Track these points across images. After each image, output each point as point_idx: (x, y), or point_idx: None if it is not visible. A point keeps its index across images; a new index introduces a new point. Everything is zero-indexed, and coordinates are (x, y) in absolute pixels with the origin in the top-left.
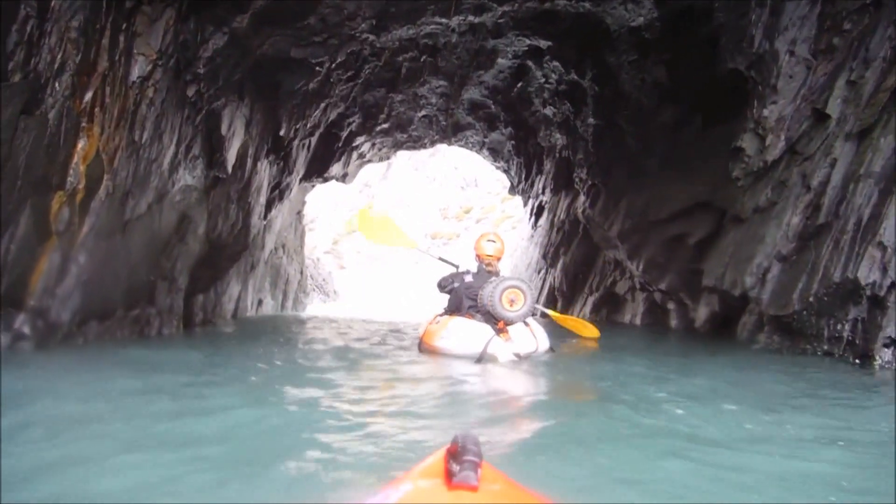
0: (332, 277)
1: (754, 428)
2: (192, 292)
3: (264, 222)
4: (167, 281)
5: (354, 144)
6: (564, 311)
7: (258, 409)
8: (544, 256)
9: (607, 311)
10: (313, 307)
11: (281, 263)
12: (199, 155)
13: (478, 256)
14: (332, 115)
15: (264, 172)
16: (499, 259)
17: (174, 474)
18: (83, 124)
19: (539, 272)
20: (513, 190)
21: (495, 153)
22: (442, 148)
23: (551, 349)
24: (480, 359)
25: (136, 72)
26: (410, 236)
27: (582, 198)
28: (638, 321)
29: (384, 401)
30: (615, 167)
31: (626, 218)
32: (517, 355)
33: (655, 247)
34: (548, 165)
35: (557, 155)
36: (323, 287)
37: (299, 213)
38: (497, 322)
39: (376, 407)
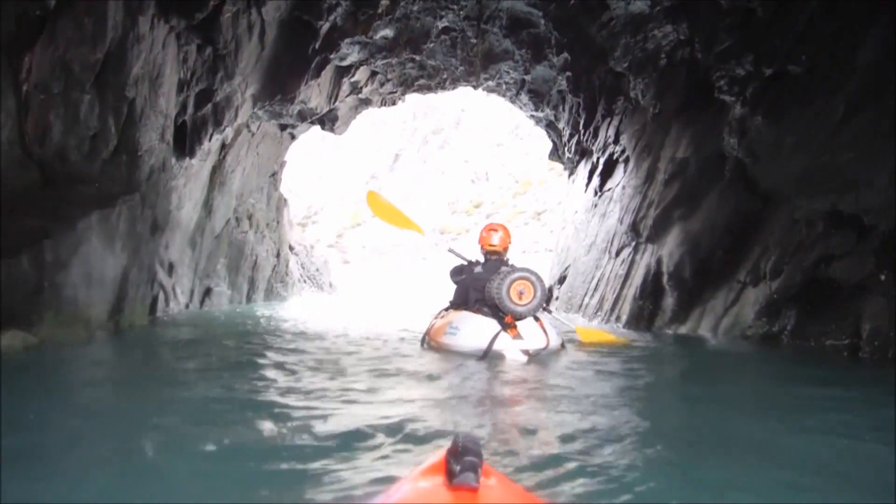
0: (327, 268)
1: None
2: None
3: (189, 161)
4: None
5: (343, 60)
6: (687, 311)
7: None
8: (634, 227)
9: (798, 319)
10: (299, 301)
11: (246, 241)
12: None
13: (482, 248)
14: None
15: (165, 49)
16: (505, 249)
17: None
18: None
19: (618, 254)
20: (555, 153)
21: (538, 97)
22: (451, 139)
23: (563, 346)
24: (485, 355)
25: None
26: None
27: (737, 110)
28: None
29: None
30: (840, 41)
31: None
32: (526, 353)
33: None
34: (639, 86)
35: (663, 62)
36: (316, 279)
37: (274, 175)
38: (505, 317)
39: None
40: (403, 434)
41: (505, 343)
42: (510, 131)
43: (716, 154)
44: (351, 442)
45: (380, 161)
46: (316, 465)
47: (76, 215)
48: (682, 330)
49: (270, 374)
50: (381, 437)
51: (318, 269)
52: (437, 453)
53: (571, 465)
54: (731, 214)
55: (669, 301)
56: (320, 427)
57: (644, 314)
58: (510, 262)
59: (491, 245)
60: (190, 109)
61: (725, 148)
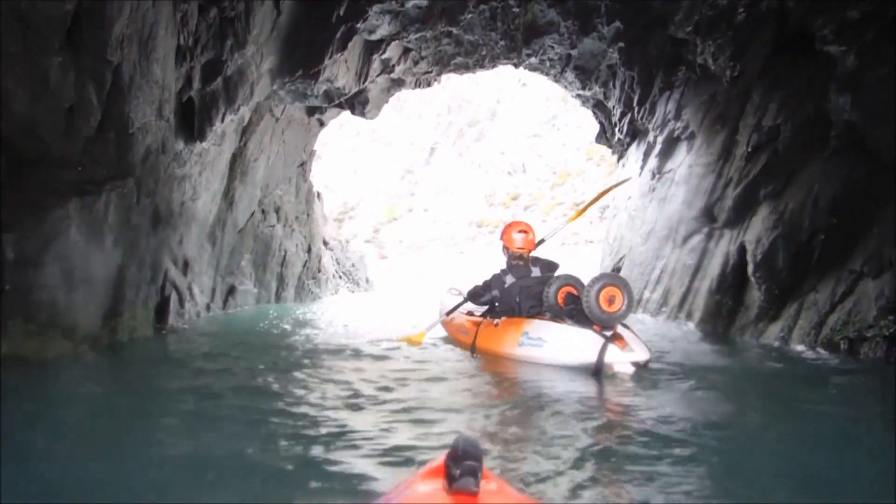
0: (363, 263)
1: None
2: None
3: (201, 145)
4: None
5: (372, 33)
6: (780, 306)
7: None
8: (706, 210)
9: None
10: (334, 300)
11: (273, 235)
12: None
13: (506, 248)
14: None
15: (156, 6)
16: (530, 251)
17: None
18: None
19: (685, 241)
20: (602, 136)
21: (585, 74)
22: (487, 131)
23: None
24: (598, 370)
25: None
26: (416, 332)
27: (848, 63)
28: None
29: None
30: None
31: None
32: (636, 364)
33: None
34: (709, 50)
35: (741, 17)
36: (352, 274)
37: (303, 165)
38: (593, 325)
39: None
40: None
41: (614, 355)
42: (546, 122)
43: (817, 118)
44: None
45: (415, 155)
46: None
47: (48, 204)
48: (774, 328)
49: (301, 399)
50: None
51: (353, 265)
52: (437, 457)
53: None
54: (838, 190)
55: (756, 295)
56: None
57: (722, 311)
58: (536, 261)
59: (518, 248)
60: (196, 84)
61: (831, 110)
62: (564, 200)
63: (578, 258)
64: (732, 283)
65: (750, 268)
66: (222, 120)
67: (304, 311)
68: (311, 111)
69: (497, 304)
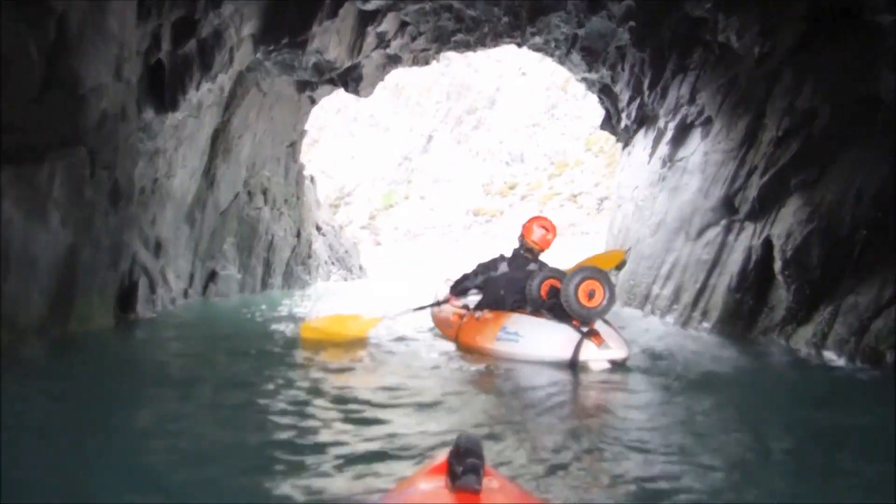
0: (357, 250)
1: None
2: None
3: (174, 116)
4: None
5: (367, 2)
6: (811, 308)
7: None
8: (726, 201)
9: None
10: (324, 287)
11: (259, 218)
12: None
13: (523, 237)
14: None
15: None
16: (541, 251)
17: None
18: None
19: (700, 234)
20: (608, 122)
21: (592, 55)
22: (486, 119)
23: None
24: (573, 366)
25: None
26: (370, 315)
27: None
28: None
29: None
30: None
31: None
32: (613, 362)
33: None
34: (732, 27)
35: None
36: (345, 261)
37: (293, 145)
38: (572, 321)
39: None
40: None
41: (590, 353)
42: (546, 111)
43: (861, 98)
44: None
45: (413, 142)
46: None
47: None
48: (803, 332)
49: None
50: None
51: (346, 251)
52: (439, 455)
53: None
54: (885, 179)
55: (783, 295)
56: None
57: (743, 311)
58: (536, 261)
59: (533, 241)
60: (165, 45)
61: (881, 89)
62: (562, 191)
63: (577, 248)
64: (755, 280)
65: (777, 264)
66: (197, 88)
67: (290, 300)
68: (302, 87)
69: (482, 291)
